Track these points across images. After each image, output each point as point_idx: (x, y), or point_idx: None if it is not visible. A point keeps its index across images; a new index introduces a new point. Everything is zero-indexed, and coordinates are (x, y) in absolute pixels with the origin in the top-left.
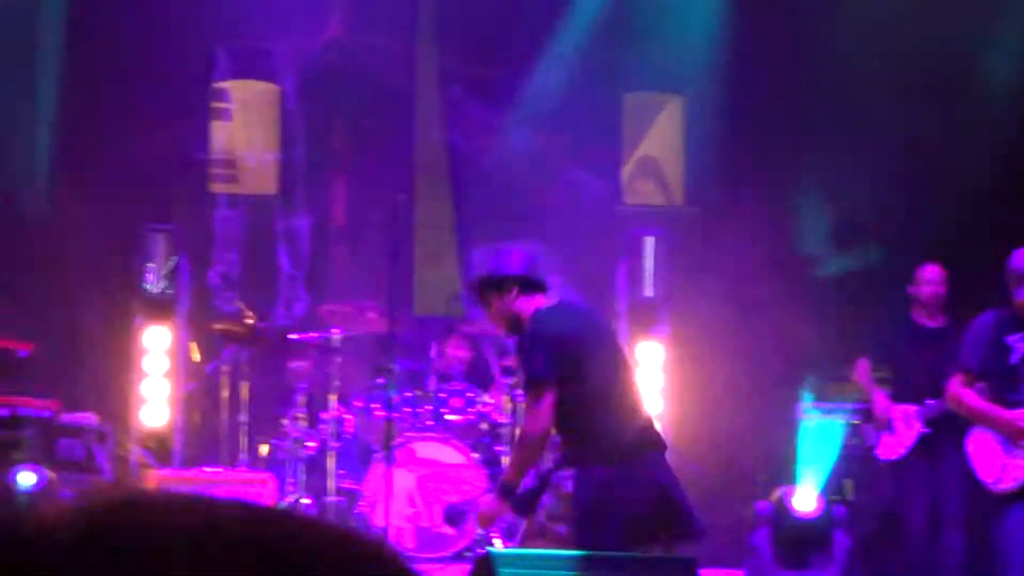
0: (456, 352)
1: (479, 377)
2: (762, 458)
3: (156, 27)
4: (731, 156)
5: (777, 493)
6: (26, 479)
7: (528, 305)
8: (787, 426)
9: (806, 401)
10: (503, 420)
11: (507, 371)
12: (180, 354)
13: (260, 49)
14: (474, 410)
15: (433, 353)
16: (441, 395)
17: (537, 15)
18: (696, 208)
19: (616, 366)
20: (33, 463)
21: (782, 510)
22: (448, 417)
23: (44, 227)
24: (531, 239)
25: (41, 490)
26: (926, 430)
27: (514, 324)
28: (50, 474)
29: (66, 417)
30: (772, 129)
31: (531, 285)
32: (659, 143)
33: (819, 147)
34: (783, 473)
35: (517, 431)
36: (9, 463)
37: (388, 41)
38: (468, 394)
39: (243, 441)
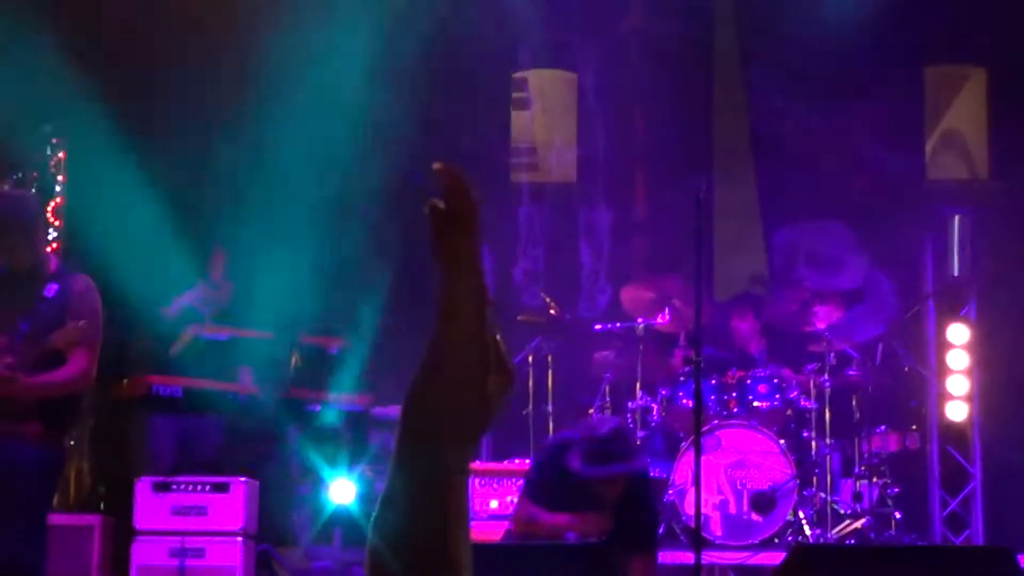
0: (740, 324)
1: (784, 361)
2: None
3: (457, 18)
4: None
5: None
6: (341, 493)
7: None
8: None
9: None
10: (809, 405)
11: (811, 356)
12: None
13: (559, 40)
14: (780, 396)
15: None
16: (747, 382)
17: None
18: (1002, 183)
19: None
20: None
21: None
22: (754, 404)
23: (354, 226)
24: (835, 220)
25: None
26: None
27: None
28: (365, 472)
29: (377, 410)
30: None
31: None
32: (963, 117)
33: None
34: None
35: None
36: (321, 467)
37: (685, 28)
38: (774, 380)
39: (550, 431)
